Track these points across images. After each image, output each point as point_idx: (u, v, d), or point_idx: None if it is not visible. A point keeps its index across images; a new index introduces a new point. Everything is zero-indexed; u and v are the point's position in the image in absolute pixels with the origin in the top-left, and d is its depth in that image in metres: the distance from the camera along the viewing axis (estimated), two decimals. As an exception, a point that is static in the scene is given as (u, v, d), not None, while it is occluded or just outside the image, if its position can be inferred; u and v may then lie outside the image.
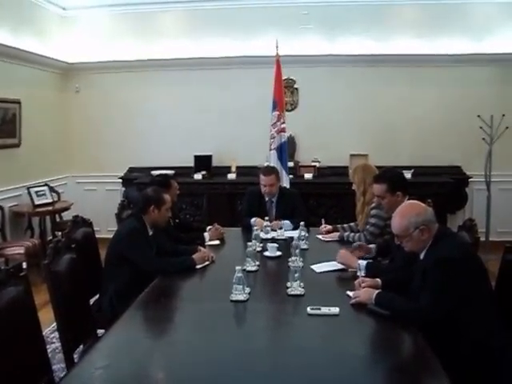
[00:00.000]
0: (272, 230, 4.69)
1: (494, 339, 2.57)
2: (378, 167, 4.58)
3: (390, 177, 3.84)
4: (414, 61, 7.50)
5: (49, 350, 3.40)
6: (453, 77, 7.55)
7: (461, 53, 7.40)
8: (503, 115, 6.72)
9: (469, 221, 3.64)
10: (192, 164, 7.73)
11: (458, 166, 7.65)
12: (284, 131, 6.62)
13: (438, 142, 7.60)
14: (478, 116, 6.78)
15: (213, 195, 7.41)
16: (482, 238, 4.76)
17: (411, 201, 3.09)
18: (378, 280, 3.07)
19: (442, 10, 7.45)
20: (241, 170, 7.62)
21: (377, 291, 2.81)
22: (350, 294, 2.97)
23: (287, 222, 4.89)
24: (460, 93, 7.55)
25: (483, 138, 6.85)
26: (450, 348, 2.52)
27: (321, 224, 4.81)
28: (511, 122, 6.74)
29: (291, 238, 4.02)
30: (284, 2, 7.55)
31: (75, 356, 2.94)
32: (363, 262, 3.46)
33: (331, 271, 3.57)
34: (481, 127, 6.79)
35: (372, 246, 4.00)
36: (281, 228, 4.73)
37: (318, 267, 3.63)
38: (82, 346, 3.07)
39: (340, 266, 3.61)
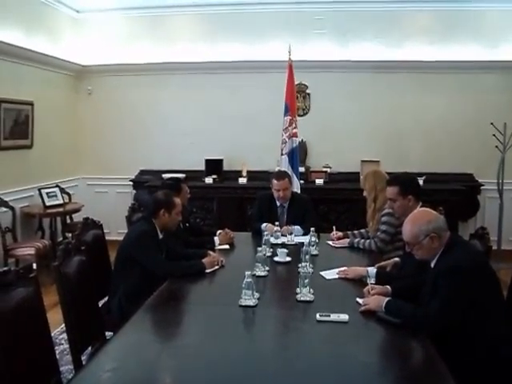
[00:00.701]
0: (282, 235, 4.68)
1: (504, 348, 2.55)
2: (389, 173, 4.56)
3: (403, 180, 3.85)
4: (426, 67, 7.48)
5: (57, 352, 3.42)
6: (465, 84, 7.52)
7: (474, 60, 7.37)
8: (516, 123, 6.68)
9: (481, 229, 3.62)
10: (203, 168, 7.73)
11: (470, 174, 7.60)
12: (296, 136, 6.62)
13: (449, 149, 7.57)
14: (491, 123, 6.74)
15: (223, 199, 7.42)
16: (494, 247, 4.72)
17: (422, 208, 3.07)
18: (388, 287, 3.06)
19: (454, 17, 7.43)
20: (251, 175, 7.61)
21: (387, 299, 2.79)
22: (360, 301, 2.96)
23: (298, 227, 4.87)
24: (473, 100, 7.52)
25: (496, 146, 6.82)
26: (460, 357, 2.50)
27: (332, 230, 4.79)
28: (525, 130, 6.70)
29: (301, 244, 3.99)
30: (297, 7, 7.55)
31: (83, 358, 2.94)
32: (373, 270, 3.44)
33: (341, 278, 3.55)
34: (494, 135, 6.76)
35: (397, 259, 3.78)
36: (291, 233, 4.72)
37: (328, 274, 3.61)
38: (90, 348, 3.07)
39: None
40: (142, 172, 8.02)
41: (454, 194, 7.02)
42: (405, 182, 3.80)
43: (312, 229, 4.36)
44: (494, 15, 7.41)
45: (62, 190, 7.15)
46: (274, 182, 5.02)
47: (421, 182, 6.83)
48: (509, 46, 7.38)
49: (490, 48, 7.42)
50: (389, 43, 7.58)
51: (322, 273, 3.62)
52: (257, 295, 3.01)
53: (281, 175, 5.12)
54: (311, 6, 7.55)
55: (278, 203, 5.09)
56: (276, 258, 4.01)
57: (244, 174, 7.65)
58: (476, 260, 2.74)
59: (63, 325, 3.15)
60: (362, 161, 7.51)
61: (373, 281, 3.29)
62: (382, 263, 3.70)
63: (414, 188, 3.78)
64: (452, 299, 2.56)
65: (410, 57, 7.47)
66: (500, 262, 5.94)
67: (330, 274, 3.60)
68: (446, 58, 7.42)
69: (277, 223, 4.74)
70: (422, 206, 3.46)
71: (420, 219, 2.83)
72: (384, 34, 7.59)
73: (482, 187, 7.49)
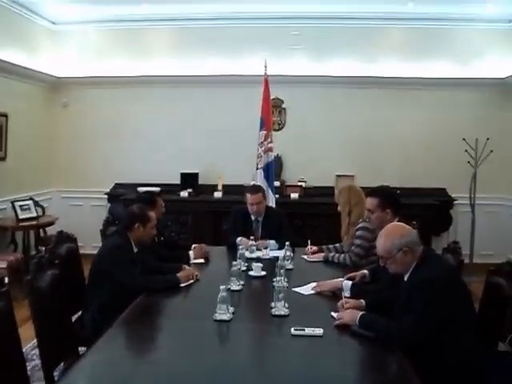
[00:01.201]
0: (257, 249, 4.68)
1: (475, 361, 2.59)
2: (363, 188, 4.61)
3: (384, 192, 3.88)
4: (400, 83, 7.60)
5: (28, 367, 3.37)
6: (439, 100, 7.67)
7: (447, 76, 7.53)
8: (487, 139, 6.80)
9: (453, 243, 3.67)
10: (178, 181, 7.72)
11: (443, 188, 7.72)
12: (271, 150, 6.65)
13: (423, 164, 7.68)
14: (463, 139, 6.86)
15: (198, 213, 7.40)
16: (466, 261, 4.80)
17: (396, 222, 3.10)
18: (362, 301, 3.09)
19: (429, 35, 7.57)
20: (227, 189, 7.61)
21: (361, 313, 2.81)
22: (334, 315, 2.97)
23: (273, 241, 4.88)
24: (446, 116, 7.65)
25: (468, 162, 6.93)
26: (433, 369, 2.53)
27: (306, 244, 4.80)
28: (496, 146, 6.83)
29: (276, 258, 4.01)
30: (274, 22, 7.61)
31: (55, 374, 2.89)
32: (348, 283, 3.46)
33: (317, 292, 3.56)
34: (466, 150, 6.87)
35: (365, 271, 3.89)
36: (266, 247, 4.72)
37: (303, 289, 3.61)
38: (62, 364, 3.02)
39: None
40: (117, 185, 7.97)
41: (428, 209, 7.11)
42: (385, 195, 3.82)
43: (287, 243, 4.38)
44: (466, 34, 7.58)
45: (36, 203, 7.06)
46: (248, 196, 5.02)
47: (395, 196, 6.95)
48: (480, 64, 7.56)
49: (462, 65, 7.60)
50: (364, 59, 7.70)
51: (297, 289, 3.61)
52: (231, 309, 3.00)
53: (255, 189, 5.12)
54: (288, 21, 7.61)
55: (253, 217, 5.10)
56: (251, 273, 4.00)
57: (219, 187, 7.65)
58: (448, 273, 2.77)
59: (35, 340, 3.10)
60: (337, 175, 7.58)
61: (347, 294, 3.32)
62: (351, 274, 3.72)
63: (393, 202, 3.79)
64: (425, 313, 2.59)
65: (384, 73, 7.59)
66: (472, 276, 6.00)
67: (306, 290, 3.60)
68: (419, 75, 7.56)
69: (252, 237, 4.73)
70: (399, 221, 3.50)
71: (393, 233, 2.87)
72: (359, 50, 7.70)
73: (455, 202, 7.61)
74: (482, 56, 7.58)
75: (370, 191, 3.96)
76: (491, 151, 6.75)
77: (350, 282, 3.48)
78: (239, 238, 4.87)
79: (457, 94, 7.63)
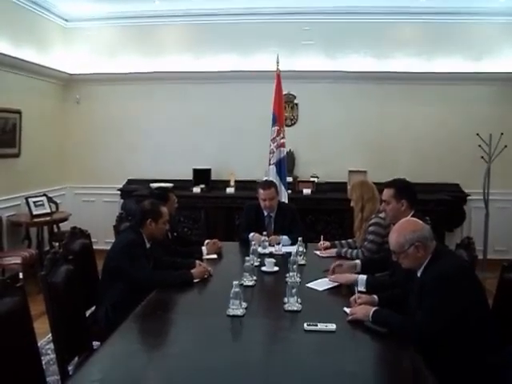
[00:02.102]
0: (270, 245, 4.68)
1: (490, 357, 2.57)
2: (376, 184, 4.59)
3: (400, 184, 3.88)
4: (413, 79, 7.55)
5: (43, 362, 3.38)
6: (452, 95, 7.61)
7: (460, 71, 7.48)
8: (502, 134, 6.75)
9: (466, 239, 3.64)
10: (191, 177, 7.74)
11: (456, 184, 7.67)
12: (283, 146, 6.63)
13: (436, 160, 7.64)
14: (477, 134, 6.81)
15: (211, 209, 7.41)
16: (480, 256, 4.77)
17: (409, 218, 3.09)
18: (375, 296, 3.08)
19: (442, 29, 7.52)
20: (239, 185, 7.63)
21: (374, 308, 2.81)
22: (347, 310, 2.96)
23: (285, 237, 4.87)
24: (459, 111, 7.60)
25: (482, 157, 6.88)
26: (447, 365, 2.52)
27: (319, 240, 4.80)
28: (510, 141, 6.78)
29: (289, 254, 4.01)
30: (285, 18, 7.61)
31: (70, 368, 2.91)
32: (363, 277, 3.45)
33: (329, 287, 3.56)
34: (479, 145, 6.83)
35: (357, 262, 3.96)
36: (279, 243, 4.72)
37: (317, 284, 3.60)
38: (77, 358, 3.05)
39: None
40: (130, 181, 8.01)
41: (441, 204, 7.07)
42: (401, 186, 3.82)
43: (299, 239, 4.38)
44: (479, 28, 7.52)
45: (50, 199, 7.12)
46: (261, 191, 5.02)
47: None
48: (494, 59, 7.49)
49: (476, 60, 7.54)
50: (376, 54, 7.66)
51: (311, 284, 3.61)
52: (244, 305, 3.01)
53: (267, 185, 5.11)
54: (299, 16, 7.61)
55: (265, 213, 5.10)
56: (264, 268, 4.01)
57: (232, 183, 7.66)
58: (462, 269, 2.76)
59: (50, 335, 3.14)
60: (350, 171, 7.55)
61: (362, 288, 3.31)
62: (338, 262, 3.86)
63: (408, 193, 3.79)
64: (439, 309, 2.58)
65: (397, 68, 7.56)
66: (485, 272, 6.00)
67: (320, 285, 3.59)
68: (432, 70, 7.52)
69: (264, 233, 4.74)
70: (414, 215, 3.48)
71: (405, 228, 2.86)
72: (372, 45, 7.67)
73: (469, 197, 7.56)
74: (495, 50, 7.52)
75: (387, 182, 3.95)
76: (505, 146, 6.70)
77: (365, 276, 3.47)
78: (251, 234, 4.89)
79: (470, 89, 7.57)
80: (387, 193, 3.81)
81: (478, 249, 3.63)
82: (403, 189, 3.80)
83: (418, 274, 2.84)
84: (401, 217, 3.43)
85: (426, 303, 2.62)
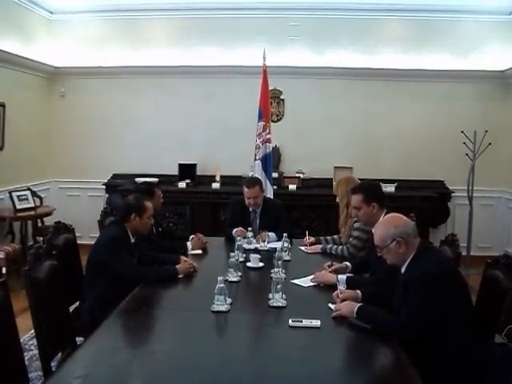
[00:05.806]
0: (257, 242, 4.68)
1: (473, 353, 2.59)
2: (361, 180, 4.61)
3: (366, 187, 3.87)
4: (400, 75, 7.57)
5: (26, 358, 3.37)
6: (438, 92, 7.65)
7: (446, 69, 7.51)
8: (486, 131, 6.78)
9: (451, 236, 3.67)
10: (176, 172, 7.71)
11: (441, 181, 7.72)
12: (269, 142, 6.62)
13: (422, 156, 7.68)
14: (462, 131, 6.84)
15: (196, 204, 7.39)
16: (464, 253, 4.79)
17: (394, 214, 3.09)
18: (358, 292, 3.09)
19: (428, 26, 7.55)
20: (225, 180, 7.61)
21: (358, 304, 2.82)
22: (332, 306, 2.98)
23: (272, 234, 4.87)
24: (445, 108, 7.64)
25: (466, 154, 6.92)
26: (431, 362, 2.54)
27: (304, 236, 4.81)
28: (494, 138, 6.84)
29: (274, 249, 4.01)
30: (273, 13, 7.59)
31: (53, 364, 2.89)
32: (343, 277, 3.47)
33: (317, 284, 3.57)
34: (464, 143, 6.86)
35: (348, 263, 3.95)
36: (265, 241, 4.71)
37: (302, 281, 3.61)
38: (60, 354, 3.03)
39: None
40: (115, 176, 7.96)
41: (426, 201, 7.12)
42: (368, 190, 3.80)
43: (285, 234, 4.38)
44: (466, 26, 7.55)
45: (34, 193, 7.04)
46: (245, 189, 5.00)
47: (392, 188, 7.00)
48: (479, 56, 7.53)
49: (461, 57, 7.57)
50: (363, 51, 7.67)
51: (296, 281, 3.62)
52: (229, 301, 3.01)
53: (252, 182, 5.08)
54: (287, 12, 7.59)
55: (251, 209, 5.09)
56: (249, 264, 4.00)
57: (217, 178, 7.64)
58: (445, 266, 2.78)
59: (33, 330, 3.11)
60: (335, 167, 7.55)
61: (343, 287, 3.31)
62: (328, 263, 3.83)
63: (377, 195, 3.79)
64: (422, 305, 2.60)
65: (383, 64, 7.56)
66: (469, 268, 6.06)
67: (305, 282, 3.60)
68: (418, 67, 7.54)
69: (250, 229, 4.74)
70: (387, 213, 3.49)
71: (388, 223, 2.89)
72: (359, 41, 7.67)
73: (453, 194, 7.61)
74: (481, 48, 7.55)
75: (353, 189, 3.93)
76: (489, 144, 6.73)
77: (345, 276, 3.49)
78: (234, 230, 4.87)
79: (456, 87, 7.62)
80: (356, 199, 3.78)
81: (461, 245, 3.65)
82: (371, 192, 3.78)
83: (402, 271, 2.86)
84: (375, 219, 3.46)
85: (410, 301, 2.63)
